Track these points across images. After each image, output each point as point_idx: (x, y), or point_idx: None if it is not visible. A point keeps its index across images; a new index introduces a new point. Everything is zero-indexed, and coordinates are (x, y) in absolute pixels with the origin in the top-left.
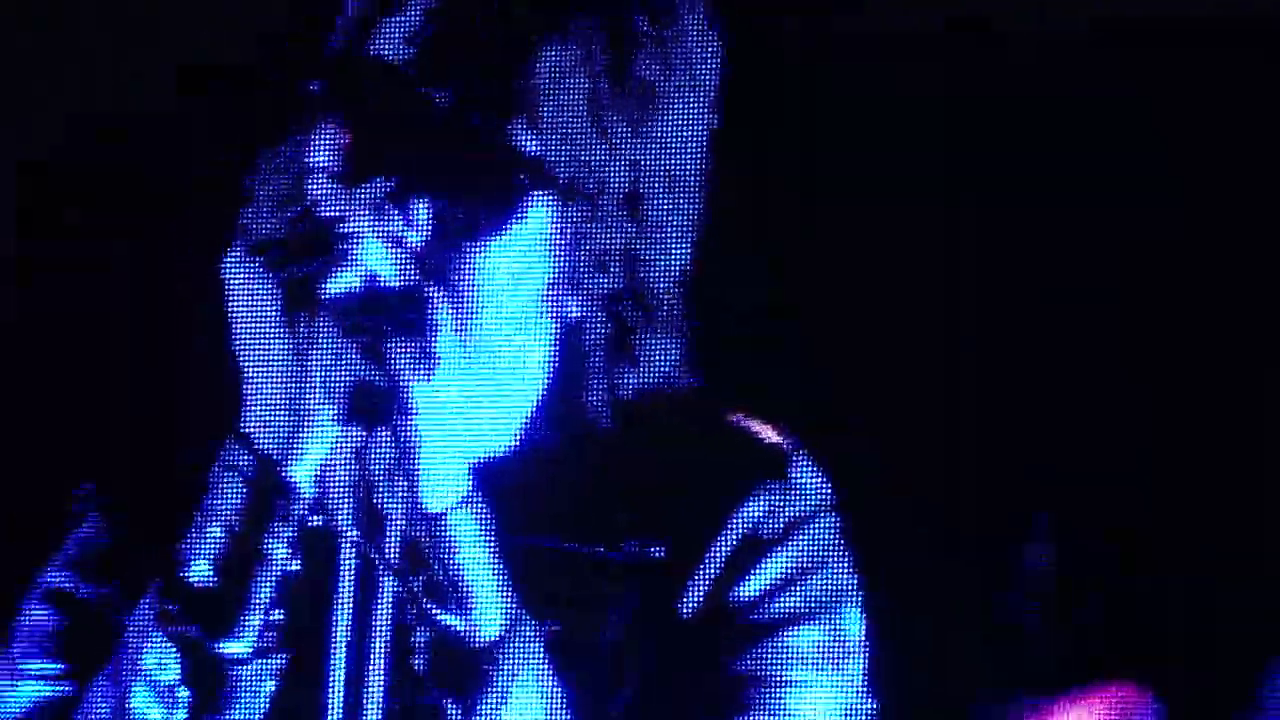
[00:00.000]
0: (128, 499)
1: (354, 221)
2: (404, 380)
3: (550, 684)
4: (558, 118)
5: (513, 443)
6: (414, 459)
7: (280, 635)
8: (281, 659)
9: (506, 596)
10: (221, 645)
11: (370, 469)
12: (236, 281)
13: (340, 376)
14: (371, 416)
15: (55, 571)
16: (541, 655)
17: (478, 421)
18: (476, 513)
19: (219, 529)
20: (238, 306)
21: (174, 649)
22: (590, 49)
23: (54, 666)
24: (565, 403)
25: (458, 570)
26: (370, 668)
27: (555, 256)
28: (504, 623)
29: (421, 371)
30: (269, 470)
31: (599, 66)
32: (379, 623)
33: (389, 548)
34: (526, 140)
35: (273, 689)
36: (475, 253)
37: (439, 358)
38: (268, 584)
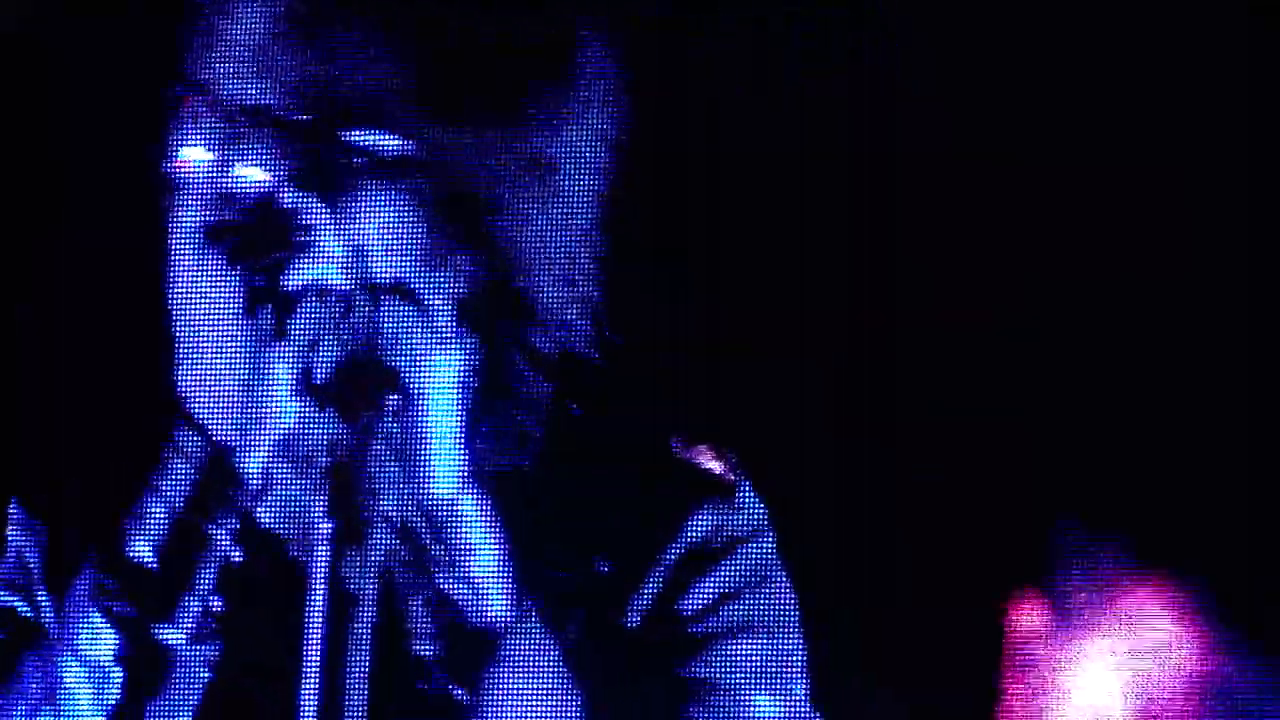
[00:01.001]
0: (51, 513)
1: (310, 215)
2: (405, 359)
3: (560, 667)
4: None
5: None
6: (418, 440)
7: (218, 625)
8: (217, 649)
9: (514, 578)
10: (158, 630)
11: (357, 454)
12: (193, 273)
13: (324, 357)
14: (365, 398)
15: None
16: (550, 639)
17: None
18: (480, 495)
19: (162, 509)
20: (194, 297)
21: (109, 625)
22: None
23: None
24: (494, 422)
25: (467, 550)
26: (351, 663)
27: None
28: (512, 602)
29: (422, 349)
30: (219, 457)
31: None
32: (361, 616)
33: (384, 535)
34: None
35: (208, 678)
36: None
37: (439, 336)
38: (209, 571)
